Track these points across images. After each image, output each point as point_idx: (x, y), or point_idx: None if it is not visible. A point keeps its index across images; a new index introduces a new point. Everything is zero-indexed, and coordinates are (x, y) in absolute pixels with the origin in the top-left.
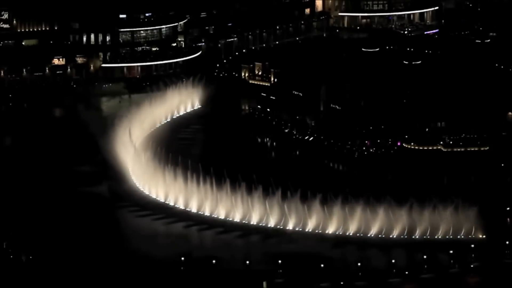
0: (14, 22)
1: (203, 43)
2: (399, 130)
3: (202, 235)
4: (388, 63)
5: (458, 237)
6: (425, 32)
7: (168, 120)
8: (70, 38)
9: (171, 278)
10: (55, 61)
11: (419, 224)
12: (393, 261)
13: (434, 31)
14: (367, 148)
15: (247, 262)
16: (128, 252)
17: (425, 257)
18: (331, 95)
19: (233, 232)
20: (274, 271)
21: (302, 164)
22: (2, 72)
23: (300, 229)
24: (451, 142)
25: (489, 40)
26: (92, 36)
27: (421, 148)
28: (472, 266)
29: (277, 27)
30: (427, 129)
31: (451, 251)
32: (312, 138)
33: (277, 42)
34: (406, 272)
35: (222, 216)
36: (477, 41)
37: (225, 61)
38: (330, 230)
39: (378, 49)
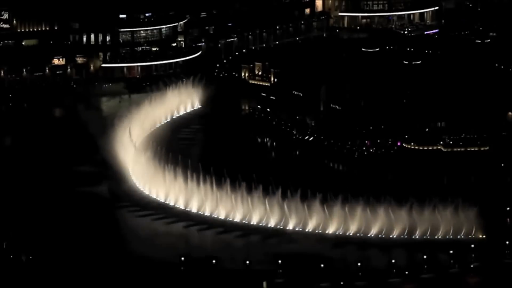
0: (14, 22)
1: (203, 43)
2: (399, 130)
3: (202, 235)
4: (388, 63)
5: (458, 237)
6: (425, 32)
7: (168, 120)
8: (70, 38)
9: (171, 278)
10: (55, 61)
11: (419, 224)
12: (393, 261)
13: (434, 31)
14: (367, 148)
15: (247, 262)
16: (128, 252)
17: (425, 257)
18: (331, 95)
19: (233, 232)
20: (274, 271)
21: (302, 164)
22: (2, 72)
23: (300, 229)
24: (451, 142)
25: (489, 40)
26: (92, 36)
27: (421, 148)
28: (472, 266)
29: (277, 27)
30: (427, 129)
31: (451, 251)
32: (312, 138)
33: (277, 42)
34: (406, 272)
35: (222, 216)
36: (477, 41)
37: (225, 61)
38: (330, 230)
39: (378, 49)
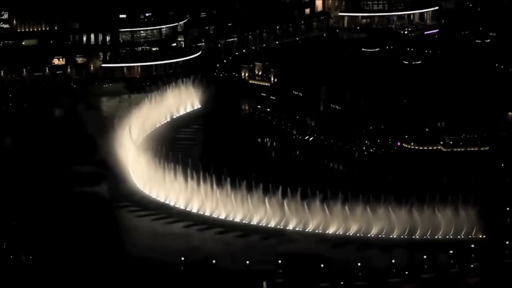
0: (14, 22)
1: (203, 43)
2: (399, 130)
3: (202, 235)
4: (388, 63)
5: (458, 237)
6: (425, 32)
7: (168, 120)
8: (70, 38)
9: (171, 278)
10: (55, 61)
11: (419, 224)
12: (393, 261)
13: (434, 31)
14: (367, 148)
15: (247, 262)
16: (128, 252)
17: (425, 257)
18: (331, 95)
19: (233, 232)
20: (274, 271)
21: (302, 164)
22: (2, 72)
23: (300, 229)
24: (451, 142)
25: (489, 40)
26: (92, 36)
27: (421, 148)
28: (472, 266)
29: (277, 27)
30: (427, 129)
31: (451, 251)
32: (312, 138)
33: (277, 42)
34: (406, 272)
35: (222, 216)
36: (477, 41)
37: (225, 61)
38: (330, 230)
39: (378, 49)
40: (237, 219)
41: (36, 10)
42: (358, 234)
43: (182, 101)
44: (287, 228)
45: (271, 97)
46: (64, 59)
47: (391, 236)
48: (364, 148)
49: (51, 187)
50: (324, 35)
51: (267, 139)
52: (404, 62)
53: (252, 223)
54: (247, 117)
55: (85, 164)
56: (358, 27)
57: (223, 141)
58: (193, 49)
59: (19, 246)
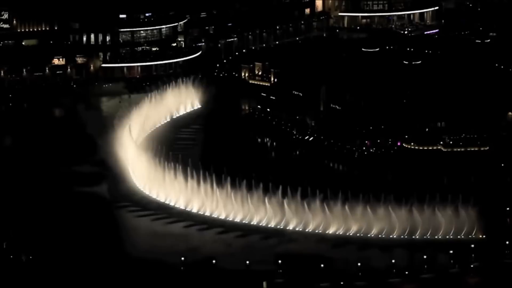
0: (14, 22)
1: (203, 43)
2: (399, 130)
3: (202, 235)
4: (388, 63)
5: (458, 237)
6: (425, 32)
7: (168, 120)
8: (70, 38)
9: (171, 278)
10: (55, 61)
11: (419, 224)
12: (393, 261)
13: (434, 31)
14: (367, 148)
15: (247, 262)
16: (127, 252)
17: (425, 257)
18: (331, 95)
19: (233, 232)
20: (274, 271)
21: (302, 164)
22: (2, 72)
23: (300, 229)
24: (451, 142)
25: (489, 40)
26: (92, 36)
27: (421, 148)
28: (472, 266)
29: (277, 27)
30: (427, 129)
31: (451, 251)
32: (312, 138)
33: (277, 42)
34: (406, 272)
35: (222, 216)
36: (477, 41)
37: (225, 61)
38: (330, 230)
39: (378, 49)
40: (237, 219)
41: (36, 10)
42: (358, 234)
43: (182, 101)
44: (287, 228)
45: (271, 97)
46: (64, 59)
47: (391, 236)
48: (364, 148)
49: (51, 187)
50: (324, 35)
51: (267, 139)
52: (404, 62)
53: (252, 223)
54: (247, 117)
55: (85, 164)
56: (358, 27)
57: (223, 141)
58: (193, 49)
59: (19, 246)
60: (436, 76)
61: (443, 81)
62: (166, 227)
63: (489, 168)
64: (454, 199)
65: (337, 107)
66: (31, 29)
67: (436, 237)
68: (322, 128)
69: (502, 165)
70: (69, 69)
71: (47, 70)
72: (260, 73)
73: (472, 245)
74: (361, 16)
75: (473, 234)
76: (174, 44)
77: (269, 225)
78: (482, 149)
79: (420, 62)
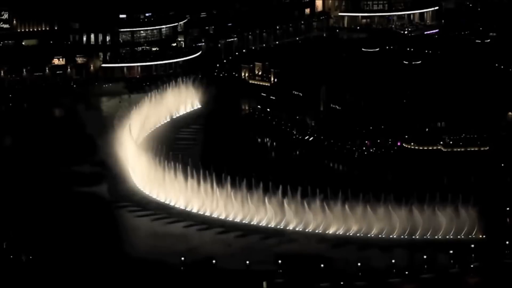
0: (14, 22)
1: (203, 43)
2: (399, 130)
3: (202, 235)
4: (388, 63)
5: (458, 237)
6: (425, 32)
7: (168, 120)
8: (70, 38)
9: (171, 278)
10: (55, 61)
11: (419, 224)
12: (393, 261)
13: (434, 31)
14: (367, 148)
15: (247, 262)
16: (127, 252)
17: (425, 257)
18: (331, 95)
19: (233, 232)
20: (274, 271)
21: (302, 164)
22: (2, 72)
23: (300, 229)
24: (451, 142)
25: (489, 40)
26: (92, 36)
27: (421, 148)
28: (472, 266)
29: (277, 27)
30: (427, 129)
31: (451, 251)
32: (312, 138)
33: (277, 42)
34: (406, 272)
35: (222, 216)
36: (477, 41)
37: (225, 61)
38: (330, 230)
39: (378, 49)
40: (237, 219)
41: (36, 10)
42: (358, 234)
43: (182, 101)
44: (287, 228)
45: (271, 97)
46: (64, 59)
47: (391, 236)
48: (364, 148)
49: (51, 187)
50: (324, 35)
51: (267, 139)
52: (404, 62)
53: (252, 223)
54: (247, 117)
55: (85, 164)
56: (358, 27)
57: (223, 141)
58: (193, 49)
59: (19, 246)
60: (436, 76)
61: (443, 81)
62: (166, 227)
63: (489, 168)
64: (454, 199)
65: (337, 107)
66: (31, 29)
67: (436, 237)
68: (322, 128)
69: (502, 165)
70: (69, 69)
71: (47, 70)
72: (260, 73)
73: (472, 245)
74: (361, 16)
75: (473, 234)
76: (174, 44)
77: (269, 225)
78: (482, 149)
79: (420, 62)
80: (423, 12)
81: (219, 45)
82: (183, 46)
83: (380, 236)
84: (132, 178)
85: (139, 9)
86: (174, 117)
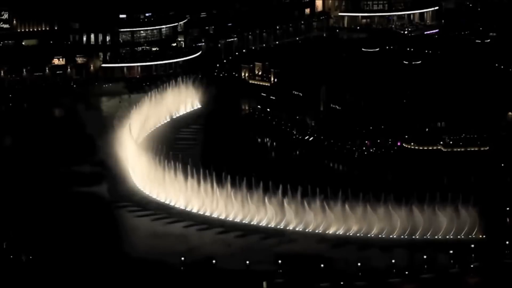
0: (14, 22)
1: (203, 43)
2: (399, 130)
3: (202, 235)
4: (388, 63)
5: (458, 237)
6: (425, 32)
7: (168, 120)
8: (70, 38)
9: (171, 278)
10: (55, 61)
11: (419, 224)
12: (393, 261)
13: (434, 31)
14: (367, 148)
15: (247, 262)
16: (127, 252)
17: (425, 257)
18: (331, 95)
19: (233, 232)
20: (274, 271)
21: (302, 164)
22: (2, 72)
23: (300, 229)
24: (451, 142)
25: (489, 40)
26: (92, 36)
27: (421, 148)
28: (472, 266)
29: (277, 27)
30: (427, 129)
31: (451, 251)
32: (312, 138)
33: (277, 42)
34: (406, 272)
35: (222, 216)
36: (477, 41)
37: (225, 61)
38: (330, 230)
39: (378, 49)
40: (237, 219)
41: (36, 10)
42: (358, 234)
43: (182, 101)
44: (287, 228)
45: (271, 97)
46: (64, 59)
47: (391, 236)
48: (364, 148)
49: (51, 187)
50: (324, 35)
51: (267, 139)
52: (404, 62)
53: (252, 223)
54: (247, 117)
55: (85, 164)
56: (358, 27)
57: (223, 141)
58: (193, 49)
59: (19, 246)
60: (436, 76)
61: (443, 81)
62: (166, 227)
63: (489, 168)
64: (454, 199)
65: (337, 107)
66: (31, 29)
67: (436, 237)
68: (322, 128)
69: (502, 165)
70: (69, 69)
71: (47, 70)
72: (260, 73)
73: (472, 245)
74: (361, 16)
75: (473, 234)
76: (174, 44)
77: (269, 225)
78: (482, 149)
79: (420, 62)
80: (423, 12)
81: (219, 45)
82: (183, 46)
83: (380, 236)
84: (132, 178)
85: (139, 9)
86: (174, 117)
